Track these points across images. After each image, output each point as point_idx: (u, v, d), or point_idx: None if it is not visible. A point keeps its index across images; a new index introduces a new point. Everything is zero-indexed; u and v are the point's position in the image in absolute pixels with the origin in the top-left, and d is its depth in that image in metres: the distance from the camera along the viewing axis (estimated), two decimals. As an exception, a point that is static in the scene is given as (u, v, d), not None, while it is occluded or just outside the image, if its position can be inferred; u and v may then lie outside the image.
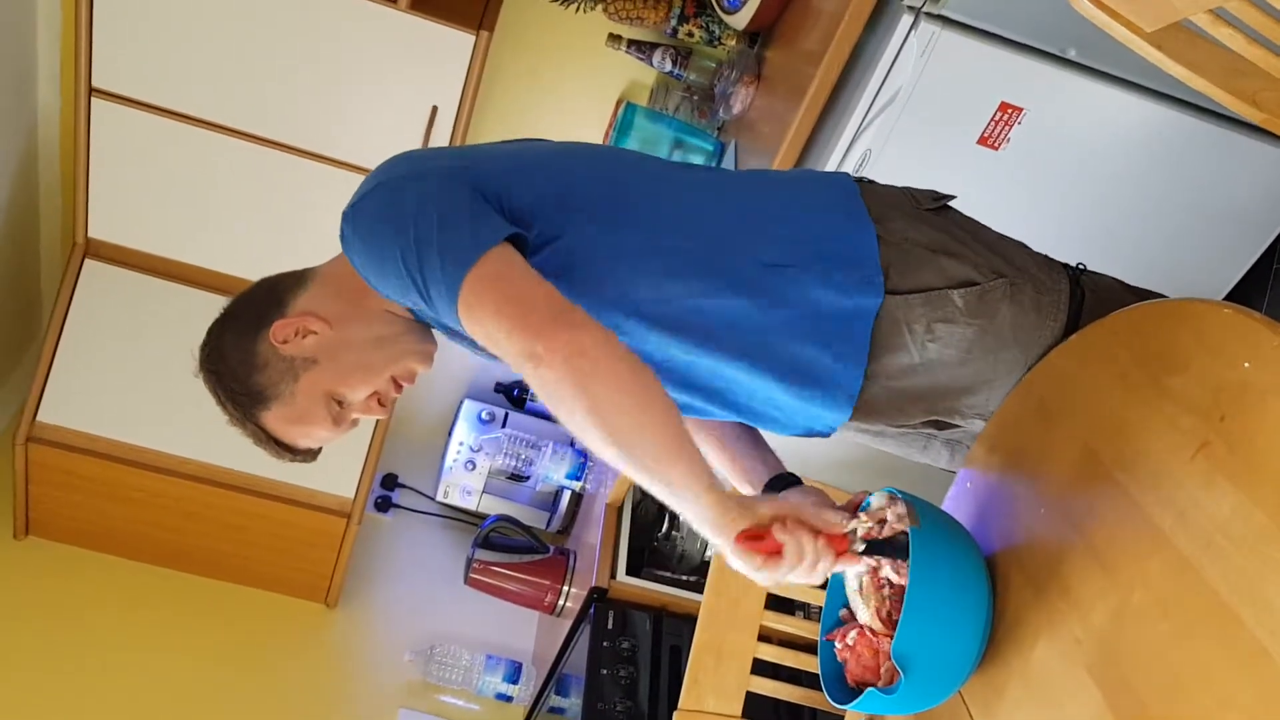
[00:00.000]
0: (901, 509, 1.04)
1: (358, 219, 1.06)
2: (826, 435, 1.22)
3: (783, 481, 1.26)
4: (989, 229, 1.21)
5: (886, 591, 1.07)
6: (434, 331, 1.19)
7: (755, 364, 1.12)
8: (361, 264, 1.07)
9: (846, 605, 1.15)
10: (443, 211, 1.01)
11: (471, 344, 1.17)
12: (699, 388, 1.15)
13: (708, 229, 1.12)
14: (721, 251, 1.10)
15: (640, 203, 1.12)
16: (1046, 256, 1.20)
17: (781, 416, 1.18)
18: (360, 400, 1.15)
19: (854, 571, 1.10)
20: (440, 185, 1.04)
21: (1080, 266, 1.21)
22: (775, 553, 1.00)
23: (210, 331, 1.17)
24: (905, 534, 1.02)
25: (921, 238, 1.14)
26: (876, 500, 1.09)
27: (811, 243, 1.13)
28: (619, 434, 0.95)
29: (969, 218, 1.22)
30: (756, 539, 1.00)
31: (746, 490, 1.29)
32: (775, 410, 1.17)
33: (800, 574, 1.01)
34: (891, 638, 1.02)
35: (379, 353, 1.14)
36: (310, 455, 1.21)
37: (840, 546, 1.03)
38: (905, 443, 1.31)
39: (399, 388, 1.17)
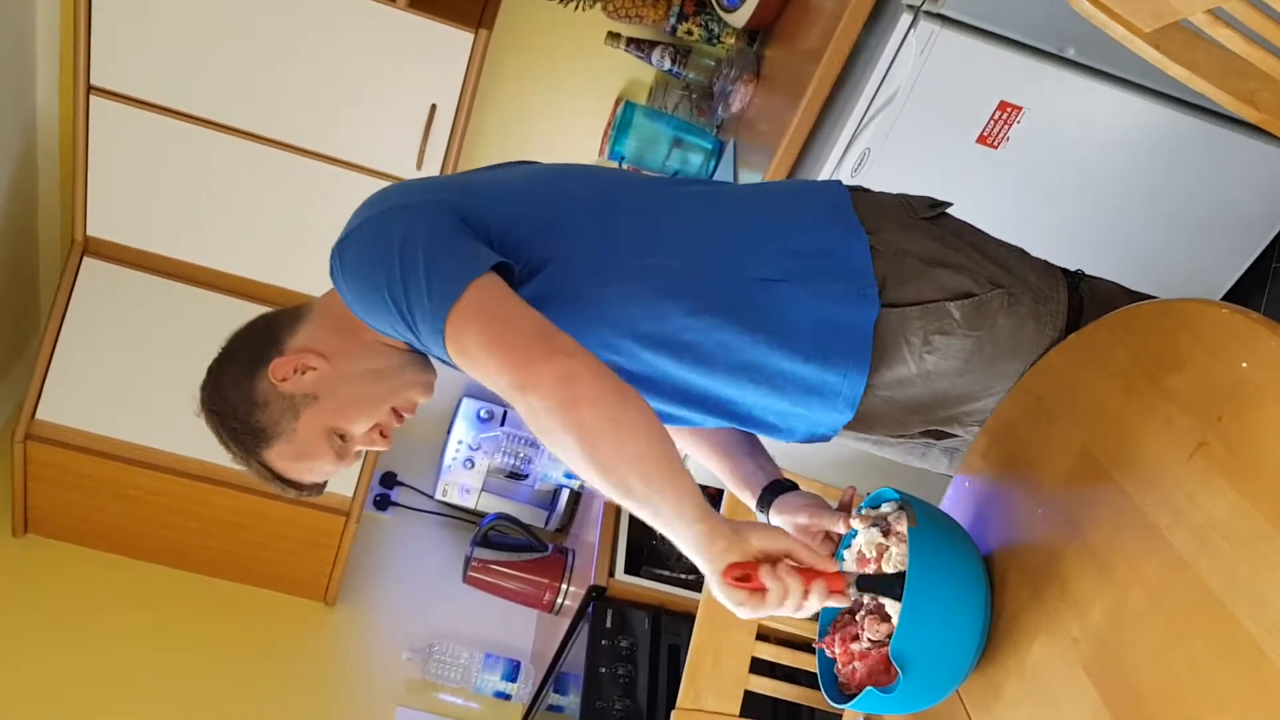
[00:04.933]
0: (902, 524, 1.05)
1: (345, 256, 1.05)
2: (828, 439, 1.22)
3: (780, 488, 1.26)
4: (987, 235, 1.21)
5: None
6: (433, 360, 1.18)
7: (751, 380, 1.11)
8: (351, 300, 1.06)
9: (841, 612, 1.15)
10: (428, 245, 1.00)
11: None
12: (697, 401, 1.15)
13: (696, 247, 1.11)
14: (709, 269, 1.10)
15: (629, 223, 1.12)
16: (1045, 262, 1.20)
17: (783, 424, 1.18)
18: (362, 433, 1.15)
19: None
20: (425, 218, 1.04)
21: (1079, 272, 1.21)
22: (760, 590, 0.98)
23: (209, 371, 1.16)
24: (898, 573, 1.02)
25: (916, 249, 1.13)
26: (883, 508, 1.10)
27: (802, 256, 1.12)
28: (608, 461, 0.93)
29: (966, 224, 1.21)
30: (744, 577, 0.97)
31: (744, 496, 1.29)
32: (776, 418, 1.17)
33: (785, 611, 0.99)
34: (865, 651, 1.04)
35: (378, 386, 1.13)
36: (316, 489, 1.21)
37: (834, 586, 1.01)
38: (904, 450, 1.31)
39: (400, 418, 1.16)
